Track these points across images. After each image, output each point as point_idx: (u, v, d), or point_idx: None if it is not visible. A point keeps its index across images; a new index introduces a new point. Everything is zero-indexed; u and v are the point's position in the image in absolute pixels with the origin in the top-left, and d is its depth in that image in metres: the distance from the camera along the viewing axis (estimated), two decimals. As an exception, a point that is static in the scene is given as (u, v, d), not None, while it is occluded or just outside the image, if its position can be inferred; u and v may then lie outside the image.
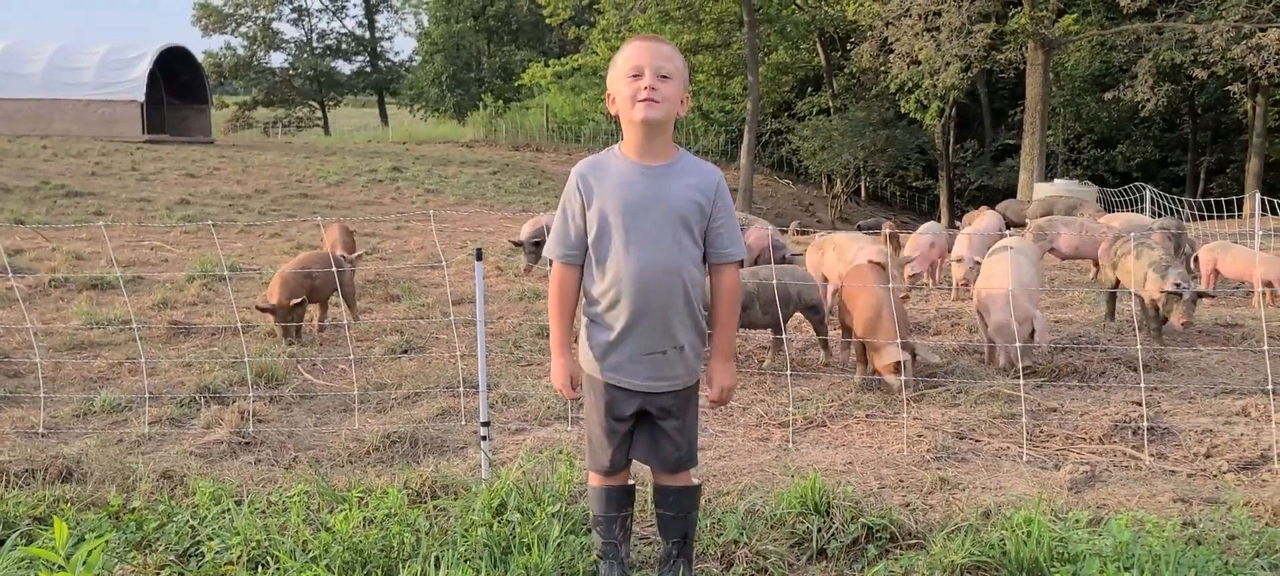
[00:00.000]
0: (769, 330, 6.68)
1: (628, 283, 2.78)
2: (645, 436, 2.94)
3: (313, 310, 7.83)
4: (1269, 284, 8.40)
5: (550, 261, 2.88)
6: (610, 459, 2.93)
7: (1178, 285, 6.86)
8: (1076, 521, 3.43)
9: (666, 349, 2.82)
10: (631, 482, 3.11)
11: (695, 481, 3.10)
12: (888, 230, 12.02)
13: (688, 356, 2.87)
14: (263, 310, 7.23)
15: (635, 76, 2.76)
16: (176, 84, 31.16)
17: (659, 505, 3.08)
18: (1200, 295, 6.95)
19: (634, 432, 2.94)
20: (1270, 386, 4.96)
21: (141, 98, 27.86)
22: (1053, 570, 3.06)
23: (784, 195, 34.75)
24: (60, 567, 2.65)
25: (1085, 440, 5.00)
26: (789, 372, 6.07)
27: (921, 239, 10.62)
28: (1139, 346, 5.23)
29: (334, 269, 7.35)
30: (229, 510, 3.67)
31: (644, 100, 2.75)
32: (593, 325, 2.89)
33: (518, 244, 10.50)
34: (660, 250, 2.77)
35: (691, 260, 2.83)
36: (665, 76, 2.77)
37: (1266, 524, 3.61)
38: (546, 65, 39.16)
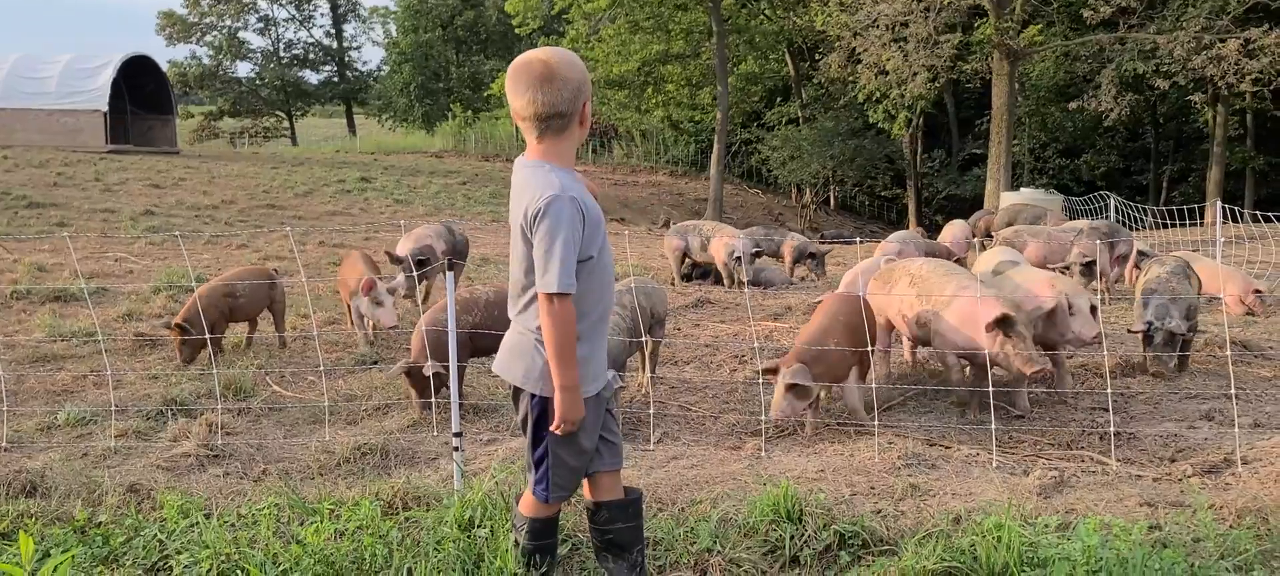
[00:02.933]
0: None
1: (609, 292, 2.94)
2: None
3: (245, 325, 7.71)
4: (1244, 300, 8.56)
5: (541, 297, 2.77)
6: (584, 472, 3.02)
7: (1149, 323, 6.26)
8: (1046, 526, 3.46)
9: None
10: None
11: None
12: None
13: None
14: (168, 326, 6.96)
15: None
16: (141, 94, 30.77)
17: (618, 519, 3.09)
18: (1172, 338, 6.24)
19: None
20: (1233, 391, 5.04)
21: (105, 107, 27.49)
22: (1023, 575, 3.09)
23: (754, 205, 34.90)
24: (25, 583, 2.61)
25: (1053, 446, 5.05)
26: (760, 382, 6.09)
27: (889, 247, 10.71)
28: (1104, 353, 5.29)
29: (276, 283, 7.44)
30: (198, 523, 3.63)
31: None
32: (586, 342, 2.87)
33: (398, 260, 8.44)
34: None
35: None
36: None
37: (1231, 526, 3.67)
38: (516, 75, 39.06)
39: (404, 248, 8.63)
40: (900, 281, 6.08)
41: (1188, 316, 6.37)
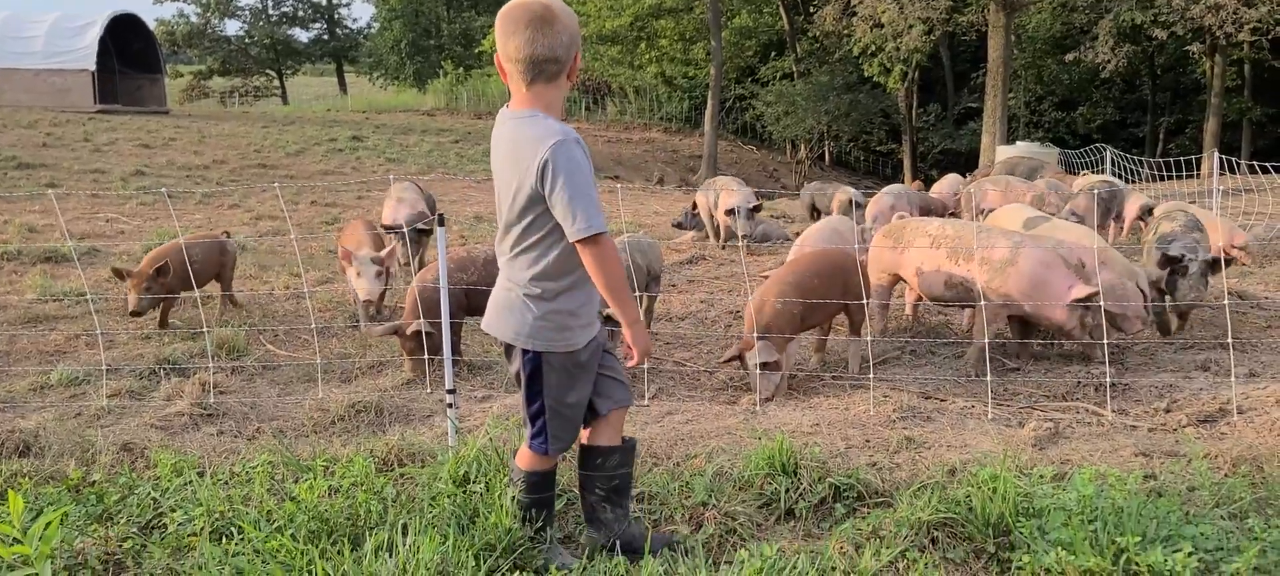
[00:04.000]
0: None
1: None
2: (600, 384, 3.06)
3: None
4: (1241, 248, 8.54)
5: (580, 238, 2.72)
6: (581, 422, 3.02)
7: (1183, 254, 5.95)
8: (1041, 477, 3.46)
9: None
10: None
11: None
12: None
13: None
14: (119, 274, 6.57)
15: None
16: (128, 53, 30.43)
17: (621, 464, 3.12)
18: (1213, 266, 5.93)
19: None
20: (1229, 340, 5.03)
21: (93, 66, 27.20)
22: (1018, 525, 3.09)
23: (748, 161, 34.74)
24: (16, 541, 2.60)
25: (1048, 397, 5.06)
26: (756, 336, 6.07)
27: (883, 200, 10.66)
28: (1101, 303, 5.28)
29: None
30: (191, 481, 3.62)
31: None
32: (578, 292, 2.86)
33: (391, 228, 7.82)
34: None
35: None
36: None
37: (1225, 475, 3.68)
38: (508, 31, 38.61)
39: (395, 213, 8.16)
40: (914, 243, 5.97)
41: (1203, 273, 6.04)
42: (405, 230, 7.65)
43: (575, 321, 2.86)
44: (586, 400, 3.00)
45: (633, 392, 3.18)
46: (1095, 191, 9.43)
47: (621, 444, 3.12)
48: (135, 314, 6.52)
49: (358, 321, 6.89)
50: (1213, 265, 5.98)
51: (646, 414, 4.86)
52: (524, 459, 3.06)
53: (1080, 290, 5.23)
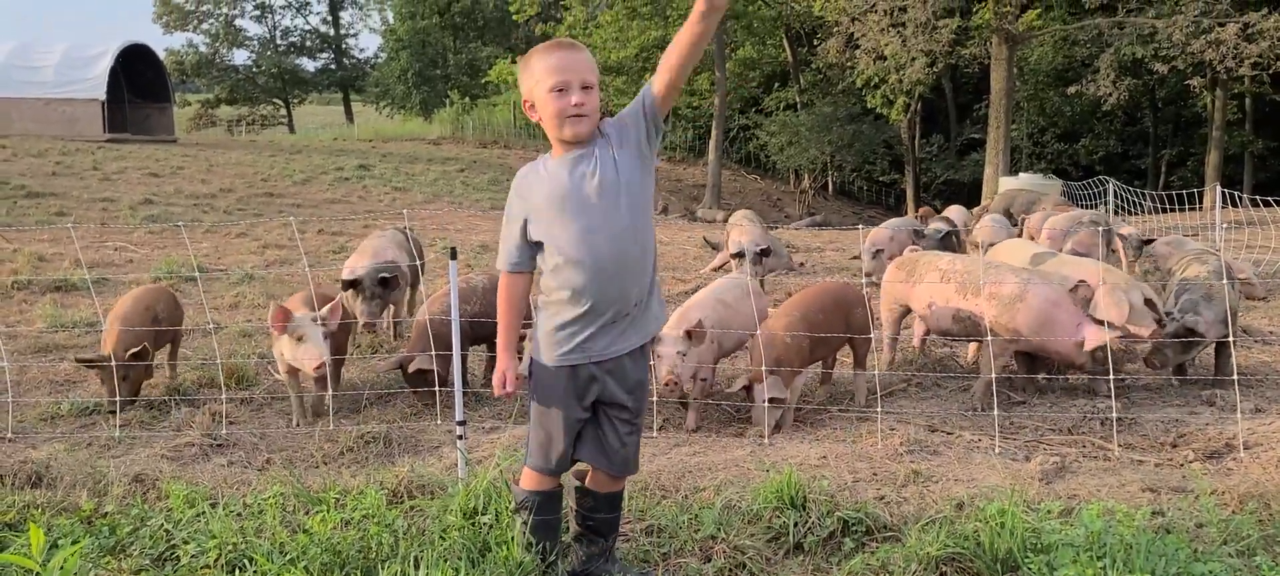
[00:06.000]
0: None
1: (583, 272, 2.81)
2: (592, 435, 3.03)
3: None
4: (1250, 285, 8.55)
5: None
6: (563, 451, 2.99)
7: (1169, 314, 5.75)
8: (1048, 512, 3.47)
9: (629, 311, 2.91)
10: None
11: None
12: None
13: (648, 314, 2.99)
14: (89, 363, 5.63)
15: (561, 92, 2.75)
16: (138, 82, 30.66)
17: (602, 509, 3.16)
18: (1187, 346, 5.74)
19: (582, 431, 3.02)
20: (1235, 376, 5.05)
21: (103, 96, 27.39)
22: (1027, 560, 3.10)
23: (752, 191, 34.84)
24: (36, 574, 2.62)
25: (1055, 432, 5.07)
26: (764, 369, 6.09)
27: (880, 234, 10.66)
28: (1107, 337, 5.30)
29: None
30: (204, 513, 3.64)
31: (574, 117, 2.78)
32: (554, 312, 2.91)
33: (352, 283, 6.70)
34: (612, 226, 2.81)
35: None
36: (588, 87, 2.79)
37: (1233, 511, 3.68)
38: (513, 61, 38.91)
39: (357, 262, 6.90)
40: (924, 277, 5.98)
41: (1220, 322, 5.69)
42: (363, 282, 6.69)
43: (549, 338, 2.91)
44: (565, 427, 2.95)
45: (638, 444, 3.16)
46: (1099, 227, 9.45)
47: (598, 492, 3.15)
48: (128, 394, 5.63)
49: (366, 353, 6.90)
50: (1186, 348, 5.78)
51: (654, 445, 4.88)
52: (522, 477, 3.12)
53: (1097, 338, 5.23)
